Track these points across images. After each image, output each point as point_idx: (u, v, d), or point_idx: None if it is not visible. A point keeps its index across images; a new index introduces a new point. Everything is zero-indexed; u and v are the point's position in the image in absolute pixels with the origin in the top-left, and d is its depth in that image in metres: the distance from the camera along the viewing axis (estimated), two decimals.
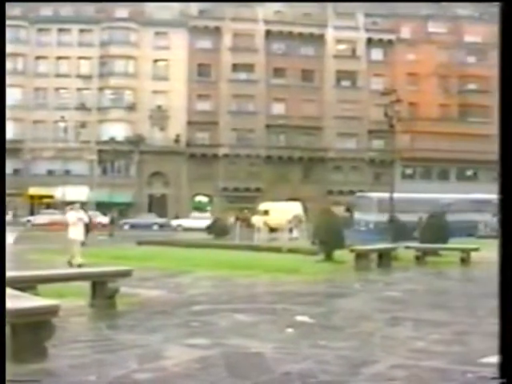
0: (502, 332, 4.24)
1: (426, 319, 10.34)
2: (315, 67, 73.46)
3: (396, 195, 30.73)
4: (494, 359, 7.11)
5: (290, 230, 38.33)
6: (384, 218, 31.56)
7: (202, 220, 54.86)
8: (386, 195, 30.70)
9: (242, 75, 72.32)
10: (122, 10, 71.14)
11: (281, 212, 45.06)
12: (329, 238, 21.22)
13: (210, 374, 6.60)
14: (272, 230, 39.63)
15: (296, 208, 52.29)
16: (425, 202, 47.34)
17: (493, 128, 73.41)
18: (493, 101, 74.07)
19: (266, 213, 53.08)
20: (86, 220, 21.24)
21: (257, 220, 44.52)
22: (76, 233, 19.61)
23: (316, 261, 20.67)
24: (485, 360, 7.09)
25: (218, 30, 71.83)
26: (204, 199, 71.26)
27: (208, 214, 60.68)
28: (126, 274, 11.73)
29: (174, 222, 59.29)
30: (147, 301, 12.18)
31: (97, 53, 70.20)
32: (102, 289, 10.92)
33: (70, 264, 18.43)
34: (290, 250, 24.11)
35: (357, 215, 46.28)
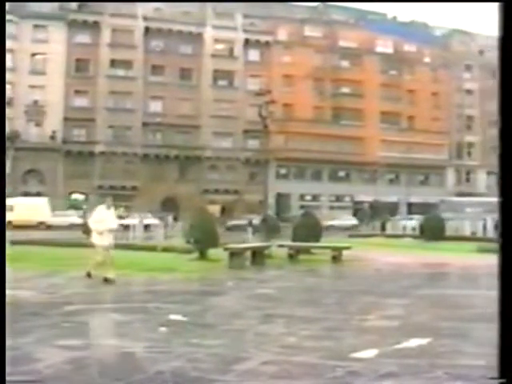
0: (502, 332, 4.29)
1: (297, 316, 10.51)
2: (193, 66, 73.53)
3: (459, 198, 34.41)
4: (364, 354, 7.31)
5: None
6: None
7: None
8: (465, 199, 34.54)
9: (120, 72, 71.46)
10: None
11: (26, 208, 44.06)
12: (203, 236, 21.27)
13: (82, 374, 6.47)
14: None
15: (43, 204, 51.31)
16: (481, 204, 52.03)
17: (365, 131, 76.08)
18: (365, 104, 76.60)
19: (10, 209, 51.83)
20: (115, 224, 16.16)
21: None
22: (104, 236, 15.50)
23: (190, 259, 20.66)
24: (355, 355, 7.27)
25: (96, 24, 70.59)
26: (80, 197, 69.79)
27: None
28: None
29: None
30: (18, 302, 11.76)
31: None
32: None
33: (89, 275, 15.23)
34: (165, 249, 23.96)
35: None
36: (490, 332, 8.98)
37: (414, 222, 47.87)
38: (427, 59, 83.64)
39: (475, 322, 9.85)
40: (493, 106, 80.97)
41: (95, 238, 15.46)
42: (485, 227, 38.46)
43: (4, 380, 5.12)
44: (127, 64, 71.59)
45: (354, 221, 64.06)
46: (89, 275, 15.17)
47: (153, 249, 24.31)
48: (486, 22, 64.59)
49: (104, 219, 15.45)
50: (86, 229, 38.10)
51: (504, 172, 4.53)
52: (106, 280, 14.69)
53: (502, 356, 4.31)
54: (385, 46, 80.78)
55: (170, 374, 6.38)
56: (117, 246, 26.07)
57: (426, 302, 12.39)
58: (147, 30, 72.27)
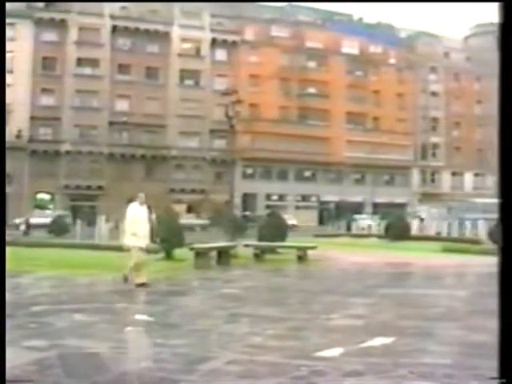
0: (502, 332, 4.28)
1: (262, 315, 10.50)
2: (160, 65, 73.32)
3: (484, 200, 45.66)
4: (329, 353, 7.33)
5: None
6: None
7: None
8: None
9: (87, 70, 70.91)
10: None
11: None
12: (169, 236, 21.19)
13: (46, 375, 6.41)
14: None
15: None
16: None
17: (330, 131, 76.43)
18: (331, 105, 76.93)
19: None
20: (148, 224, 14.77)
21: None
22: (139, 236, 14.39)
23: (156, 259, 20.56)
24: (319, 354, 7.29)
25: (63, 22, 69.92)
26: (46, 197, 69.14)
27: None
28: None
29: None
30: None
31: None
32: None
33: (126, 279, 14.40)
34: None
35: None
36: (454, 331, 9.09)
37: (369, 222, 48.17)
38: (393, 60, 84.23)
39: (439, 321, 9.92)
40: (457, 108, 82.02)
41: (129, 240, 14.49)
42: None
43: (4, 380, 5.08)
44: (94, 62, 71.05)
45: (293, 221, 63.01)
46: (126, 280, 14.36)
47: (118, 249, 24.12)
48: (452, 24, 65.21)
49: (137, 218, 14.37)
50: (51, 228, 37.85)
51: (504, 173, 4.54)
52: (143, 285, 13.97)
53: (501, 356, 4.30)
54: (351, 46, 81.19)
55: (135, 375, 6.36)
56: (81, 246, 26.07)
57: (391, 302, 12.46)
58: (114, 28, 71.84)
